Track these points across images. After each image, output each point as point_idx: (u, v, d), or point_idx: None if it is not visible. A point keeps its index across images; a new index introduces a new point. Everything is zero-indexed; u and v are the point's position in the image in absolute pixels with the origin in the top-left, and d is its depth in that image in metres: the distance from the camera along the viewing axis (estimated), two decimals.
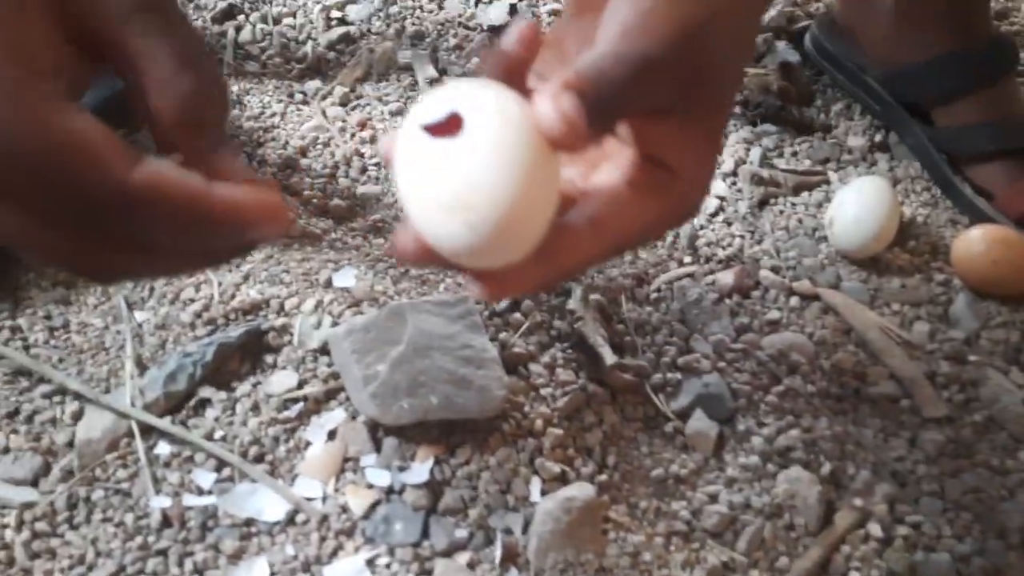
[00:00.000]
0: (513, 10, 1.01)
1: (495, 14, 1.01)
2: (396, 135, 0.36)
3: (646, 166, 0.39)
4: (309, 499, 0.61)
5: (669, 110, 0.38)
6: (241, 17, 1.01)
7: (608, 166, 0.41)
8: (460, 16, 1.02)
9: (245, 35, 0.98)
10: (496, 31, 0.99)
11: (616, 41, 0.36)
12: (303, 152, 0.86)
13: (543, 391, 0.67)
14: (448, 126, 0.34)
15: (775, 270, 0.78)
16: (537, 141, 0.35)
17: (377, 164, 0.86)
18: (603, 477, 0.63)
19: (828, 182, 0.86)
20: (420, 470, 0.62)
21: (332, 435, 0.64)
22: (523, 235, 0.35)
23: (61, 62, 0.32)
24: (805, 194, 0.85)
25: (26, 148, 0.30)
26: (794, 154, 0.89)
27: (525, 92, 0.37)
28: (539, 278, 0.38)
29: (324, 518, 0.60)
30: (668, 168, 0.39)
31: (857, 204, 0.77)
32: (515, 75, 0.38)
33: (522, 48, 0.38)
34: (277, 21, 1.01)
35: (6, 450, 0.63)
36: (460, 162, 0.34)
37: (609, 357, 0.67)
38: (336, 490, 0.61)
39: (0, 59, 0.31)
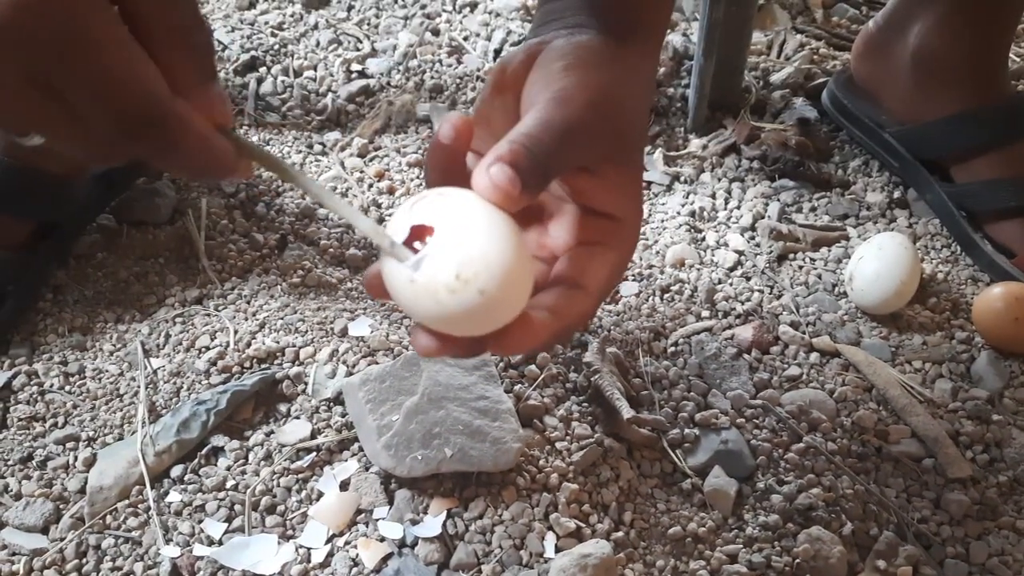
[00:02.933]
0: None
1: None
2: (375, 269, 0.41)
3: (589, 220, 0.45)
4: (320, 552, 0.60)
5: (598, 165, 0.44)
6: (263, 69, 1.02)
7: (555, 225, 0.47)
8: (478, 70, 1.03)
9: (266, 87, 1.00)
10: None
11: (542, 111, 0.42)
12: (320, 202, 0.87)
13: (558, 445, 0.66)
14: (417, 237, 0.38)
15: (794, 326, 0.77)
16: (498, 215, 0.39)
17: (394, 214, 0.86)
18: (619, 534, 0.62)
19: (847, 238, 0.86)
20: (433, 523, 0.61)
21: (345, 486, 0.64)
22: (522, 285, 0.40)
23: None
24: (824, 249, 0.85)
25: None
26: (812, 209, 0.89)
27: (464, 174, 0.42)
28: (552, 333, 0.42)
29: (334, 572, 0.59)
30: (610, 217, 0.45)
31: (878, 260, 0.77)
32: (453, 160, 0.43)
33: (456, 136, 0.43)
34: (298, 73, 1.02)
35: (18, 496, 0.62)
36: (449, 255, 0.38)
37: (626, 411, 0.66)
38: (347, 543, 0.60)
39: None
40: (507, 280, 0.38)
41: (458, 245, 0.37)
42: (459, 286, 0.37)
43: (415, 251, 0.38)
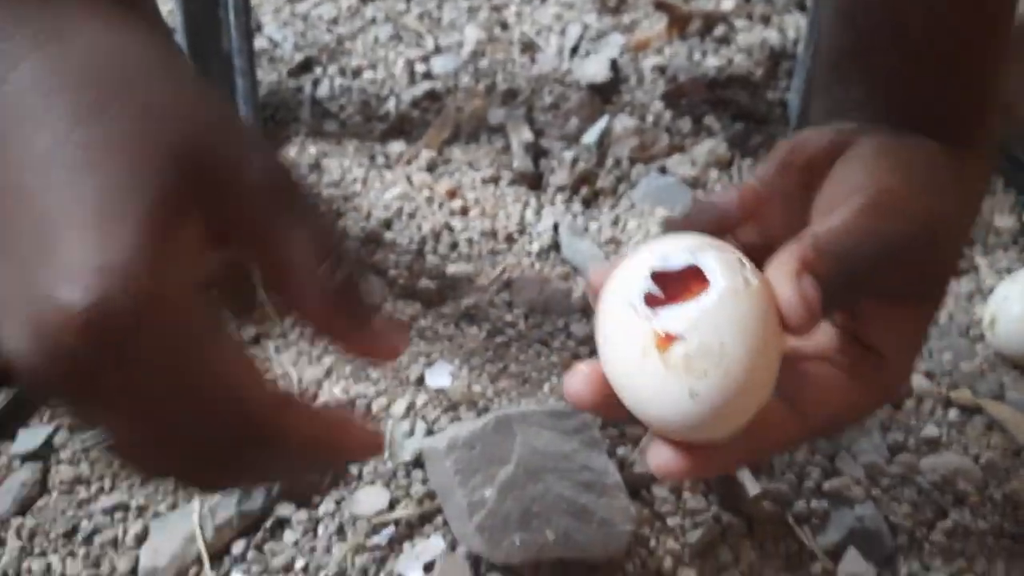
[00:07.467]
0: (613, 65, 0.93)
1: (593, 69, 0.93)
2: (611, 267, 0.34)
3: (853, 349, 0.37)
4: None
5: (893, 296, 0.36)
6: (319, 70, 0.94)
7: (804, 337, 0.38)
8: (555, 71, 0.94)
9: (323, 90, 0.91)
10: (596, 89, 0.91)
11: (859, 216, 0.34)
12: (387, 224, 0.78)
13: (669, 521, 0.58)
14: (680, 282, 0.32)
15: (929, 375, 0.68)
16: (770, 313, 0.32)
17: (469, 240, 0.78)
18: None
19: (976, 268, 0.76)
20: None
21: (429, 568, 0.56)
22: (746, 410, 0.33)
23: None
24: (952, 283, 0.75)
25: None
26: None
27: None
28: (742, 457, 0.36)
29: None
30: (877, 353, 0.37)
31: (1023, 301, 0.68)
32: (720, 230, 0.37)
33: (739, 210, 0.37)
34: (357, 74, 0.94)
35: None
36: (694, 324, 0.31)
37: (752, 486, 0.57)
38: None
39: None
40: (736, 394, 0.31)
41: (714, 326, 0.31)
42: (675, 372, 0.31)
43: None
